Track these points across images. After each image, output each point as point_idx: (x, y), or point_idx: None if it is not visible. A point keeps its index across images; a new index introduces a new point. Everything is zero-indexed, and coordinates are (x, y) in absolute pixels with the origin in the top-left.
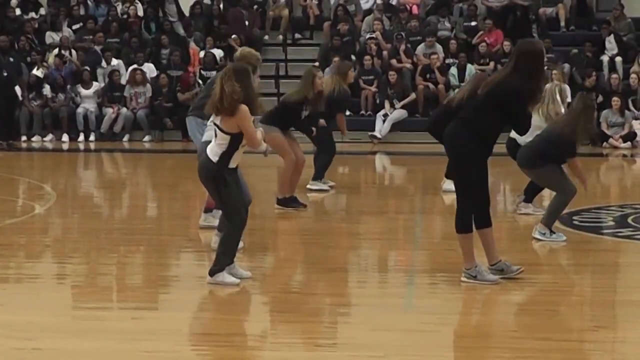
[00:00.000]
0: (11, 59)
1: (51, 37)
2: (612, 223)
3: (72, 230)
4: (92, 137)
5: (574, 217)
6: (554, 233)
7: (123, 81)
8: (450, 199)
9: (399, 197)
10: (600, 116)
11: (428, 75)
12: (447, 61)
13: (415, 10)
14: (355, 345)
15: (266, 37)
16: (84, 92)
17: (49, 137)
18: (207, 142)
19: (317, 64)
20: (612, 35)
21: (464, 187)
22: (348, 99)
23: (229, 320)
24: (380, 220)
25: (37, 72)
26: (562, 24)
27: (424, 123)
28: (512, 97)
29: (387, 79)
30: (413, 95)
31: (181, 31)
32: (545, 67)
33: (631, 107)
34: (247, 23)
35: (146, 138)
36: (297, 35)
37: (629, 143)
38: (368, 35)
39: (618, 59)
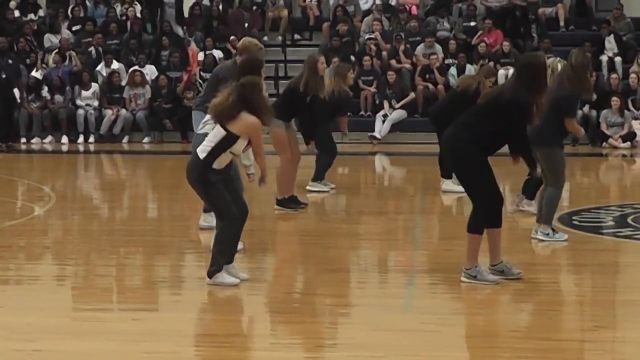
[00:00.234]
0: (10, 61)
1: (50, 39)
2: (611, 223)
3: (72, 232)
4: (91, 139)
5: (574, 217)
6: (556, 233)
7: (122, 83)
8: (450, 199)
9: (399, 198)
10: (600, 116)
11: (427, 76)
12: (446, 61)
13: (414, 10)
14: (355, 345)
15: (265, 38)
16: (83, 93)
17: (49, 138)
18: (202, 135)
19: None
20: (612, 35)
21: (469, 189)
22: (348, 100)
23: (229, 321)
24: (380, 221)
25: (36, 73)
26: (562, 23)
27: (424, 124)
28: (512, 108)
29: (386, 80)
30: (412, 95)
31: (180, 32)
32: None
33: (631, 107)
34: (246, 25)
35: (145, 139)
36: (296, 36)
37: (628, 143)
38: (367, 36)
39: (617, 58)
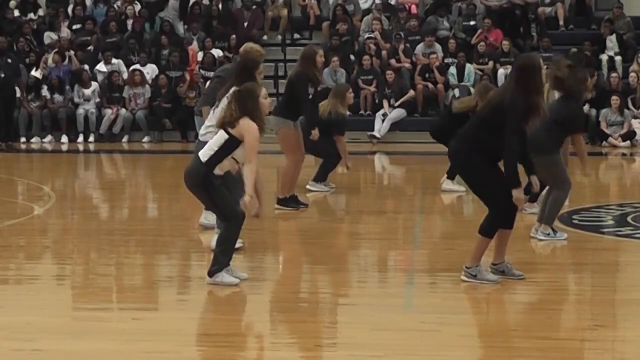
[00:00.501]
0: (9, 60)
1: (50, 37)
2: (611, 222)
3: (72, 231)
4: (91, 138)
5: (574, 216)
6: (556, 232)
7: (122, 82)
8: (450, 198)
9: (399, 197)
10: (599, 115)
11: (427, 75)
12: (446, 60)
13: (414, 9)
14: (355, 344)
15: (265, 37)
16: (83, 92)
17: (48, 138)
18: (203, 143)
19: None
20: (614, 35)
21: (481, 197)
22: (344, 123)
23: (229, 320)
24: (380, 220)
25: (36, 73)
26: (561, 23)
27: (424, 123)
28: (511, 110)
29: (385, 79)
30: (411, 93)
31: (181, 31)
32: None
33: (630, 106)
34: (246, 24)
35: (145, 139)
36: (295, 35)
37: (628, 142)
38: (367, 35)
39: (617, 58)
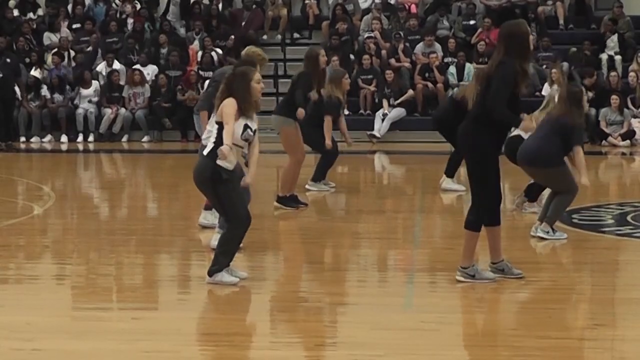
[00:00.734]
0: (8, 60)
1: (49, 37)
2: (611, 221)
3: (72, 231)
4: (91, 138)
5: (573, 215)
6: (556, 231)
7: (122, 82)
8: (450, 198)
9: (398, 197)
10: (599, 114)
11: (427, 74)
12: (445, 60)
13: (413, 9)
14: (355, 344)
15: (265, 36)
16: (84, 92)
17: (48, 138)
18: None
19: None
20: (616, 35)
21: (479, 183)
22: (337, 105)
23: (229, 319)
24: (380, 220)
25: (36, 72)
26: (561, 22)
27: (424, 122)
28: (502, 78)
29: (385, 78)
30: (411, 92)
31: (181, 31)
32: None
33: (630, 106)
34: (243, 23)
35: (145, 138)
36: (295, 35)
37: (628, 141)
38: (366, 35)
39: (617, 57)
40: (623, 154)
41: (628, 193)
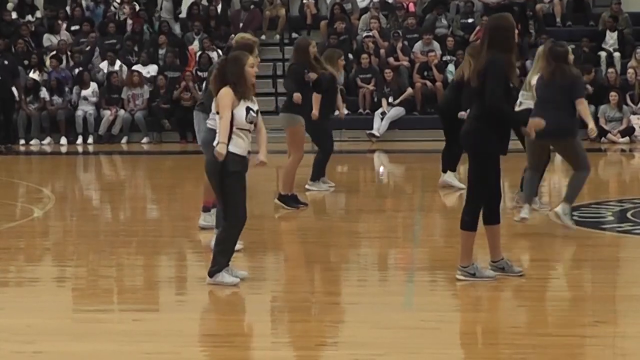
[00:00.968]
0: (6, 62)
1: (49, 39)
2: (611, 218)
3: (72, 233)
4: (90, 140)
5: (573, 213)
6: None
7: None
8: (449, 196)
9: (398, 195)
10: (598, 111)
11: (425, 73)
12: (444, 58)
13: (412, 7)
14: (355, 343)
15: (263, 36)
16: (82, 92)
17: (47, 140)
18: (212, 131)
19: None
20: (616, 32)
21: (478, 182)
22: (331, 79)
23: (230, 320)
24: (380, 219)
25: (34, 75)
26: (559, 19)
27: (423, 121)
28: (494, 72)
29: (383, 77)
30: (410, 91)
31: (178, 31)
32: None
33: (629, 102)
34: (241, 24)
35: (144, 140)
36: (294, 35)
37: (627, 138)
38: (365, 34)
39: (616, 54)
40: (622, 150)
41: (628, 190)
